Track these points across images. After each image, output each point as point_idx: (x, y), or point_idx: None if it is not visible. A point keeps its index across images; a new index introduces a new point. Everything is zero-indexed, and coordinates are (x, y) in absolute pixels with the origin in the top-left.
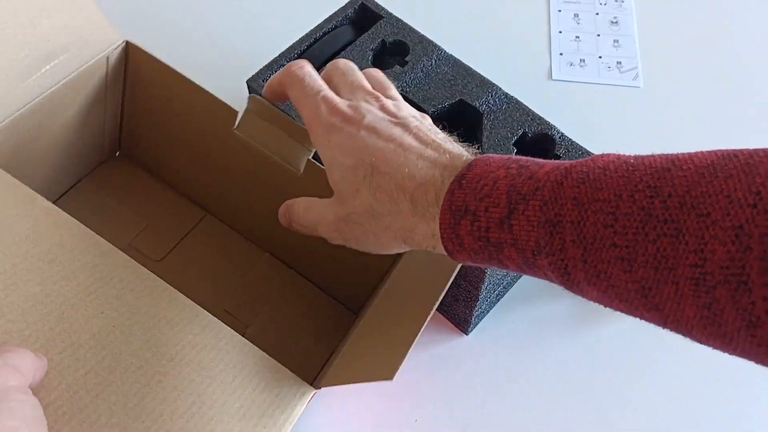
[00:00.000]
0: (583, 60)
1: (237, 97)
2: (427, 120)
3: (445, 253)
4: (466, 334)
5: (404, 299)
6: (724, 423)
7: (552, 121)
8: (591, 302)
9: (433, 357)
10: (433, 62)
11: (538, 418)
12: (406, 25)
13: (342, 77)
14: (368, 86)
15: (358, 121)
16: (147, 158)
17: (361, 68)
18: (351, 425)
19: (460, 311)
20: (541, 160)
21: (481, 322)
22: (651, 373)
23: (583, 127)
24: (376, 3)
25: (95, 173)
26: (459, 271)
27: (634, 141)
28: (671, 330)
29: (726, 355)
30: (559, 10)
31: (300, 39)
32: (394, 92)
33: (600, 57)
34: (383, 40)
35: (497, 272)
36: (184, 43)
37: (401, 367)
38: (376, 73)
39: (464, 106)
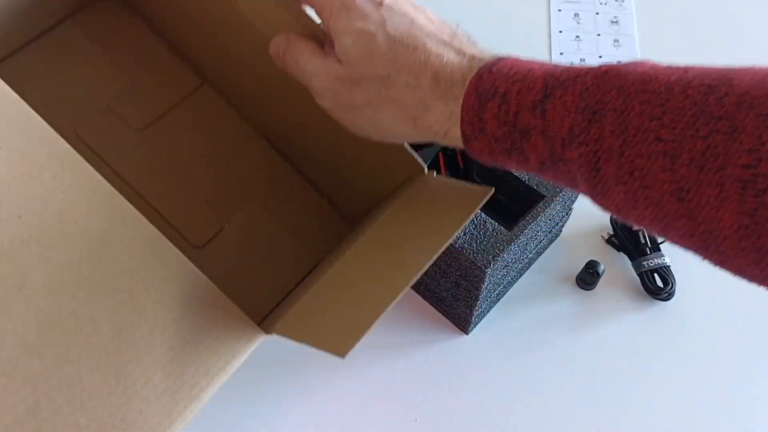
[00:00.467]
0: (584, 60)
1: None
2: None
3: (459, 140)
4: (467, 334)
5: (396, 245)
6: (724, 423)
7: None
8: (590, 302)
9: (433, 357)
10: None
11: (538, 418)
12: None
13: None
14: None
15: (379, 2)
16: (145, 4)
17: None
18: (351, 425)
19: (461, 311)
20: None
21: (481, 322)
22: (651, 373)
23: None
24: None
25: (83, 15)
26: (459, 272)
27: None
28: (693, 246)
29: (725, 355)
30: (560, 10)
31: None
32: None
33: (600, 57)
34: None
35: (497, 272)
36: None
37: (401, 367)
38: None
39: None
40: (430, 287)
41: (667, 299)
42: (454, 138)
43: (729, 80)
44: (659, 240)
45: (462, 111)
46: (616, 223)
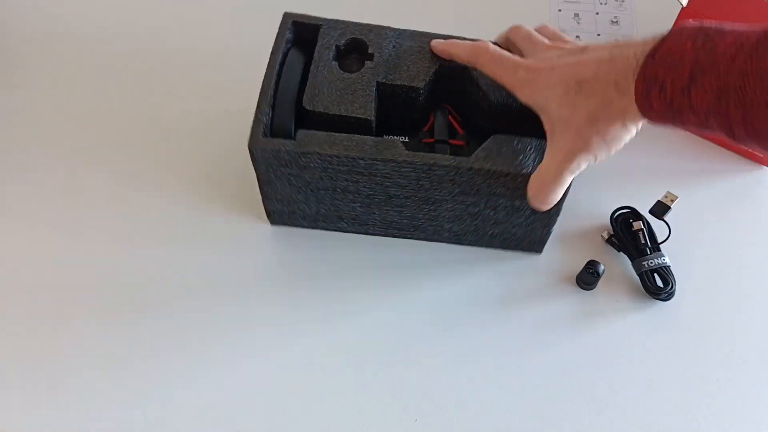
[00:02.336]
0: None
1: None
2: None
3: (638, 114)
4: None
5: None
6: (724, 423)
7: None
8: (590, 303)
9: (434, 357)
10: (395, 42)
11: (538, 418)
12: (346, 21)
13: (523, 41)
14: (547, 41)
15: (551, 62)
16: None
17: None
18: (351, 425)
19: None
20: (727, 27)
21: (480, 321)
22: (651, 373)
23: None
24: (307, 15)
25: None
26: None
27: (634, 140)
28: None
29: (725, 355)
30: (560, 10)
31: (263, 84)
32: (570, 39)
33: None
34: (336, 45)
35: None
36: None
37: (400, 368)
38: (550, 27)
39: (445, 69)
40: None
41: (667, 299)
42: (632, 115)
43: None
44: (659, 240)
45: (635, 95)
46: (616, 223)
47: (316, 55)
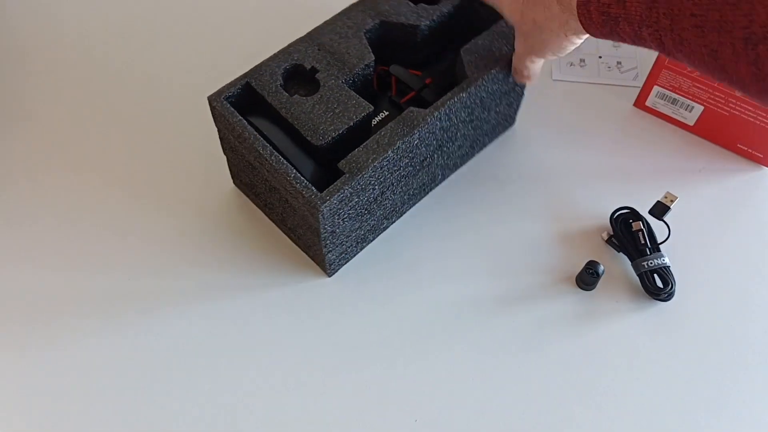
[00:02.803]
0: (583, 60)
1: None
2: None
3: (582, 28)
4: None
5: None
6: (724, 423)
7: (551, 121)
8: (590, 303)
9: (434, 356)
10: (317, 47)
11: (538, 418)
12: (259, 64)
13: None
14: None
15: None
16: None
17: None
18: (351, 425)
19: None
20: None
21: (480, 321)
22: (651, 373)
23: (583, 127)
24: (229, 83)
25: None
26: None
27: (634, 140)
28: (737, 89)
29: (725, 355)
30: None
31: (270, 168)
32: None
33: (600, 57)
34: (279, 84)
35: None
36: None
37: (400, 370)
38: None
39: (376, 31)
40: None
41: (666, 299)
42: (578, 24)
43: None
44: (659, 240)
45: (576, 7)
46: (616, 223)
47: (270, 99)
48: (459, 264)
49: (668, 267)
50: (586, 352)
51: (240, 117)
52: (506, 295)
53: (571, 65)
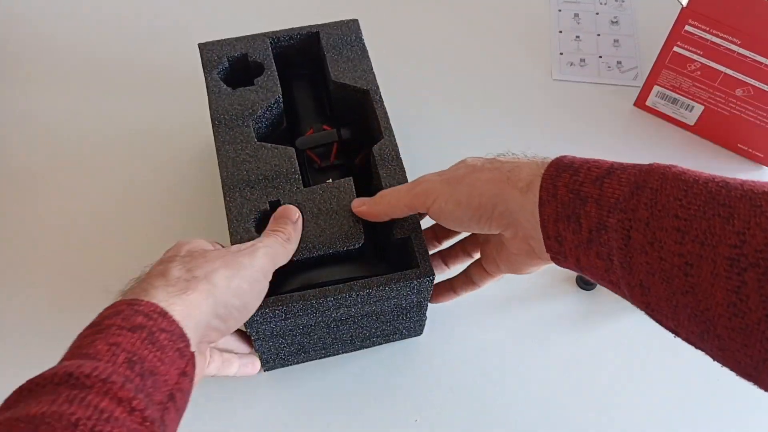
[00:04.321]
0: (584, 60)
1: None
2: None
3: (536, 201)
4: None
5: None
6: (724, 422)
7: (552, 121)
8: (590, 303)
9: (435, 356)
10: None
11: (538, 418)
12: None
13: None
14: None
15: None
16: None
17: None
18: (351, 425)
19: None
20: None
21: (480, 322)
22: (651, 373)
23: (583, 127)
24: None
25: None
26: None
27: (635, 141)
28: (699, 329)
29: None
30: (560, 10)
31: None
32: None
33: (600, 57)
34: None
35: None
36: None
37: (401, 367)
38: None
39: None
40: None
41: None
42: (532, 194)
43: (743, 182)
44: None
45: (542, 179)
46: None
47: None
48: None
49: None
50: (586, 351)
51: None
52: (506, 294)
53: (571, 65)
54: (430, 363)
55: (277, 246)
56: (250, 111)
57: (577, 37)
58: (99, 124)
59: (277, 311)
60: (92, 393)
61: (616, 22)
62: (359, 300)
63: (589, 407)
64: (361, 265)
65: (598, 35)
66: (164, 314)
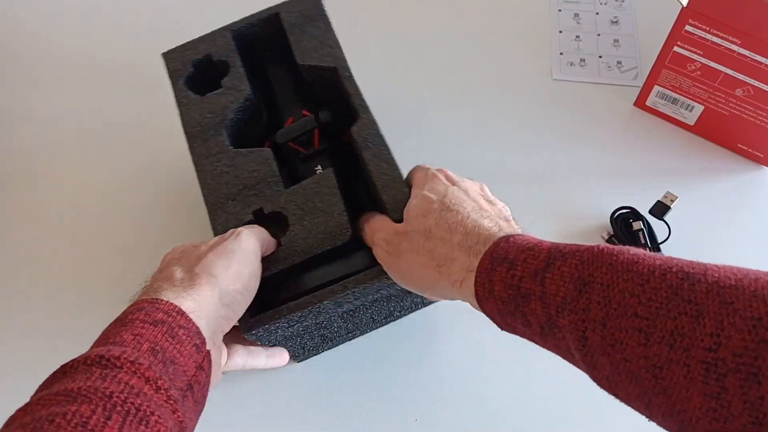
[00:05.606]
0: (584, 60)
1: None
2: (486, 189)
3: (473, 295)
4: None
5: None
6: None
7: (552, 121)
8: None
9: (435, 356)
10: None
11: (538, 417)
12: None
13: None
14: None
15: (452, 181)
16: None
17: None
18: (352, 425)
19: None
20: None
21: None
22: None
23: (584, 127)
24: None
25: None
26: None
27: (634, 140)
28: (674, 427)
29: None
30: (560, 10)
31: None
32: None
33: (600, 57)
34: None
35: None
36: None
37: (401, 367)
38: (446, 170)
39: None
40: None
41: None
42: (467, 288)
43: (705, 270)
44: (659, 240)
45: (476, 272)
46: (616, 223)
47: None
48: None
49: None
50: None
51: None
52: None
53: (571, 65)
54: (431, 362)
55: (260, 229)
56: (221, 116)
57: (577, 37)
58: (92, 122)
59: (278, 323)
60: (122, 372)
61: (616, 22)
62: (358, 294)
63: (588, 407)
64: (352, 255)
65: (598, 35)
66: (182, 313)
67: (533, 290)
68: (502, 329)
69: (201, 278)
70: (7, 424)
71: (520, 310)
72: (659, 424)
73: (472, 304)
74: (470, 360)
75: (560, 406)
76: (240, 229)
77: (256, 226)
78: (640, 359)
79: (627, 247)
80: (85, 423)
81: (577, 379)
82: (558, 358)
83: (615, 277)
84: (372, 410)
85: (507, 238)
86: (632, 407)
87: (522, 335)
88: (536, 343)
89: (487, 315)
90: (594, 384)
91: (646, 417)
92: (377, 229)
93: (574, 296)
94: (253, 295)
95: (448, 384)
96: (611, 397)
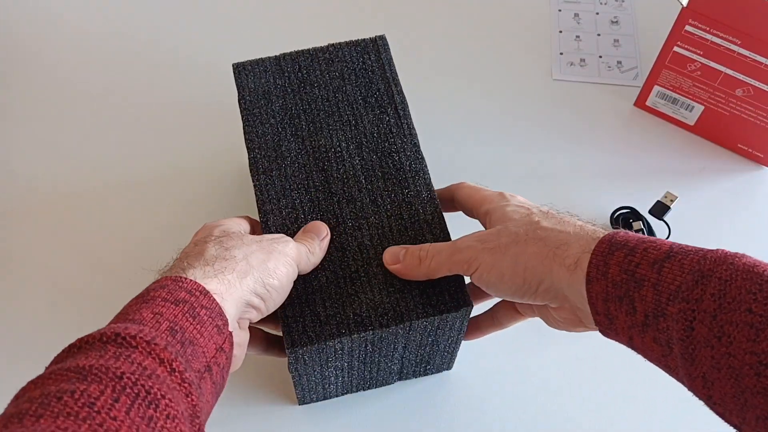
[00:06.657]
0: (584, 60)
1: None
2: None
3: (582, 280)
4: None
5: None
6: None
7: (552, 121)
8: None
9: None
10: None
11: (538, 418)
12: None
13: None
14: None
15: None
16: None
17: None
18: (352, 425)
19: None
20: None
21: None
22: (651, 373)
23: (584, 126)
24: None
25: None
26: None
27: (634, 140)
28: (764, 431)
29: None
30: (560, 10)
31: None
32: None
33: (600, 57)
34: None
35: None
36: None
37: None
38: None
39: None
40: None
41: None
42: (581, 270)
43: None
44: None
45: (592, 255)
46: (616, 222)
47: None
48: None
49: None
50: (586, 351)
51: None
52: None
53: (571, 65)
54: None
55: (303, 249)
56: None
57: (577, 37)
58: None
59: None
60: (137, 352)
61: (616, 22)
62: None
63: (588, 407)
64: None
65: (598, 35)
66: (205, 293)
67: (648, 277)
68: (596, 322)
69: (238, 263)
70: (17, 396)
71: (629, 295)
72: (752, 430)
73: (573, 299)
74: (470, 359)
75: (561, 406)
76: (290, 239)
77: (303, 247)
78: (746, 355)
79: (749, 256)
80: (92, 404)
81: (578, 379)
82: (560, 360)
83: (734, 274)
84: (372, 410)
85: (626, 231)
86: (723, 411)
87: (617, 330)
88: (632, 340)
89: (591, 300)
90: (595, 386)
91: (736, 425)
92: (460, 245)
93: (690, 286)
94: (284, 299)
95: (448, 384)
96: (613, 398)
